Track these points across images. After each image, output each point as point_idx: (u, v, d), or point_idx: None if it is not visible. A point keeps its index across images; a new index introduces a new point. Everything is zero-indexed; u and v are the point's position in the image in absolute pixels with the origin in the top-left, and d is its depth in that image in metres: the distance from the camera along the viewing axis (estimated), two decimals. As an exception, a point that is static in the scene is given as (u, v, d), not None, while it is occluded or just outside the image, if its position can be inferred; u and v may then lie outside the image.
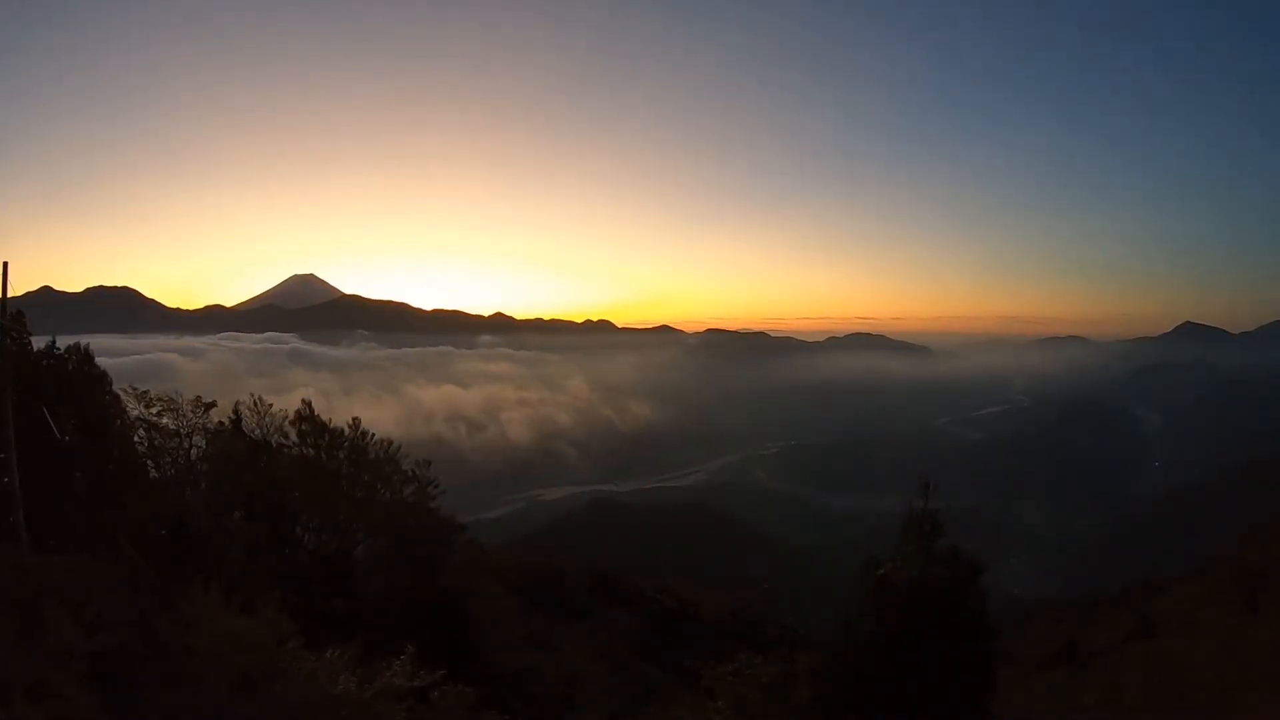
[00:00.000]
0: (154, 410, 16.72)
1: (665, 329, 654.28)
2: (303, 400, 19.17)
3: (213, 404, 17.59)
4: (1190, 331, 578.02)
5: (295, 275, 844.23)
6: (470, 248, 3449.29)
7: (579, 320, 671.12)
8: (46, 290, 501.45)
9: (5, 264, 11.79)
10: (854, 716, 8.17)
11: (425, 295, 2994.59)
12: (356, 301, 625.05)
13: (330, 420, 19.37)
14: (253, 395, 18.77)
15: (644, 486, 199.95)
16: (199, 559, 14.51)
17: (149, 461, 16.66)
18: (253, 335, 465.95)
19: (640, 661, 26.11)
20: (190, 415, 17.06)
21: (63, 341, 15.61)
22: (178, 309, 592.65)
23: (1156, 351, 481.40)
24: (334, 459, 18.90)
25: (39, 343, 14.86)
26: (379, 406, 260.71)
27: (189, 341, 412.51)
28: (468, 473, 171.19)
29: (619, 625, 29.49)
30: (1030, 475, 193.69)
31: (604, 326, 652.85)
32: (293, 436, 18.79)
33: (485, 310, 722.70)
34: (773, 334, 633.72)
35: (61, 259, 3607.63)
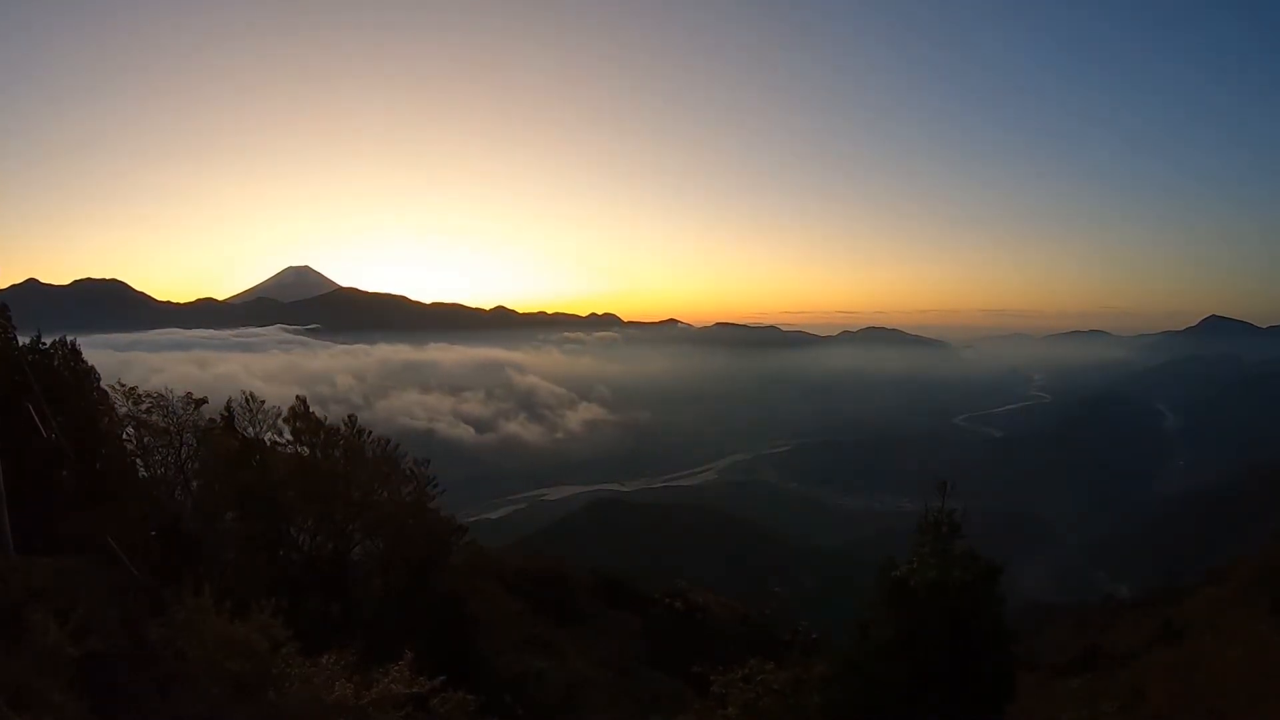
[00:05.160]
0: (143, 407, 16.42)
1: (672, 322, 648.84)
2: (297, 397, 18.84)
3: (204, 400, 17.29)
4: (1217, 325, 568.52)
5: (290, 267, 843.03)
6: (470, 239, 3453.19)
7: (583, 314, 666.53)
8: (32, 283, 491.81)
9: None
10: (868, 723, 7.75)
11: (424, 287, 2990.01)
12: (353, 294, 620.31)
13: (326, 418, 19.02)
14: (245, 392, 18.47)
15: (650, 485, 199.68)
16: (190, 561, 14.23)
17: (138, 460, 16.40)
18: (245, 329, 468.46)
19: (646, 667, 25.64)
20: (180, 412, 16.74)
21: (48, 336, 15.42)
22: (168, 302, 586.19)
23: (1182, 345, 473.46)
24: (330, 458, 18.54)
25: (24, 338, 14.64)
26: (376, 403, 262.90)
27: (179, 335, 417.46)
28: (469, 471, 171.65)
29: (624, 629, 29.06)
30: (1051, 474, 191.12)
31: (609, 320, 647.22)
32: (287, 434, 18.45)
33: (486, 303, 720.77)
34: (783, 328, 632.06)
35: (48, 250, 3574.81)
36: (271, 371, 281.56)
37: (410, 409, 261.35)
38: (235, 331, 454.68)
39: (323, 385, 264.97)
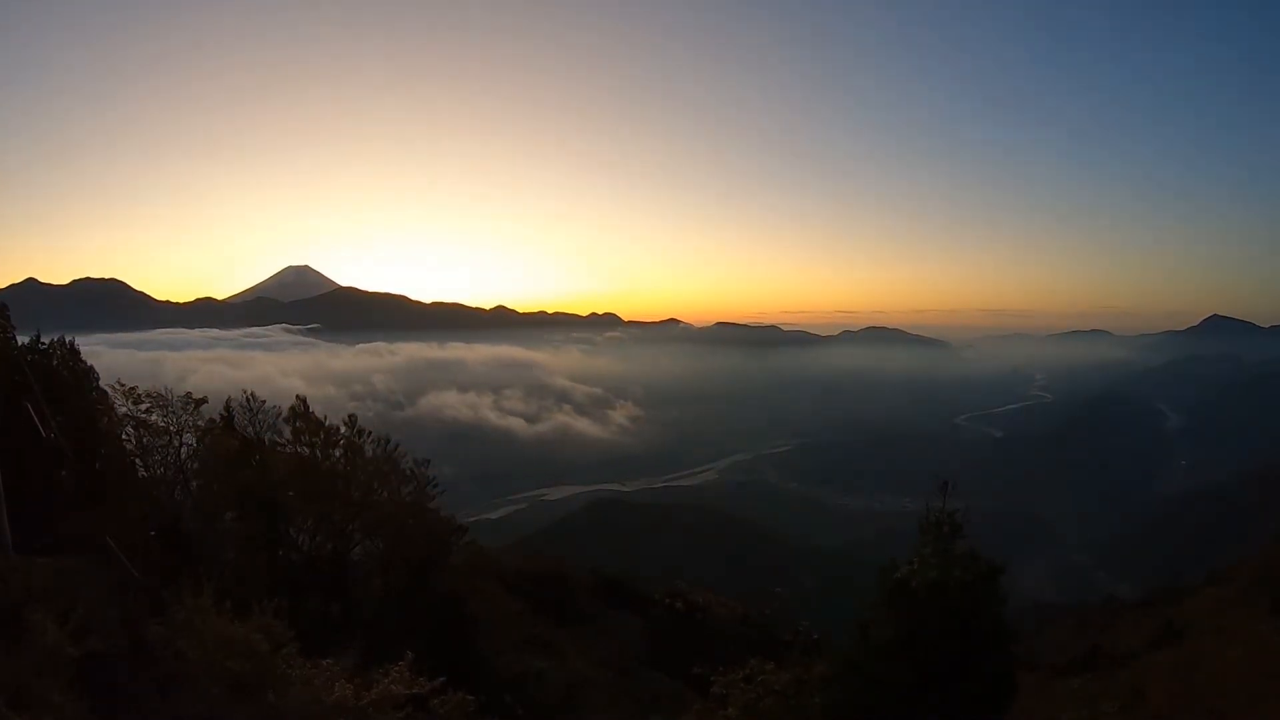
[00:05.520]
0: (142, 407, 16.39)
1: (672, 321, 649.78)
2: (297, 396, 18.82)
3: (203, 400, 17.27)
4: (1218, 324, 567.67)
5: (290, 266, 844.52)
6: (471, 238, 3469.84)
7: (584, 313, 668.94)
8: (31, 282, 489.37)
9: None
10: (869, 724, 7.74)
11: (424, 287, 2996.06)
12: (353, 294, 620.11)
13: (325, 417, 18.99)
14: (245, 392, 18.45)
15: (651, 485, 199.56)
16: (190, 561, 14.19)
17: (138, 460, 16.37)
18: (248, 329, 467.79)
19: (646, 667, 25.58)
20: (180, 412, 16.73)
21: (47, 336, 15.40)
22: (167, 302, 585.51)
23: (1183, 345, 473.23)
24: (329, 458, 18.52)
25: (23, 337, 14.62)
26: (418, 400, 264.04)
27: (188, 335, 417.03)
28: (469, 471, 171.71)
29: (625, 629, 29.01)
30: (1053, 475, 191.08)
31: (609, 319, 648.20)
32: (287, 434, 18.43)
33: (486, 303, 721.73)
34: (784, 327, 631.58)
35: (46, 250, 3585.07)
36: (306, 371, 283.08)
37: (453, 405, 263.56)
38: (243, 331, 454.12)
39: (357, 384, 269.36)
